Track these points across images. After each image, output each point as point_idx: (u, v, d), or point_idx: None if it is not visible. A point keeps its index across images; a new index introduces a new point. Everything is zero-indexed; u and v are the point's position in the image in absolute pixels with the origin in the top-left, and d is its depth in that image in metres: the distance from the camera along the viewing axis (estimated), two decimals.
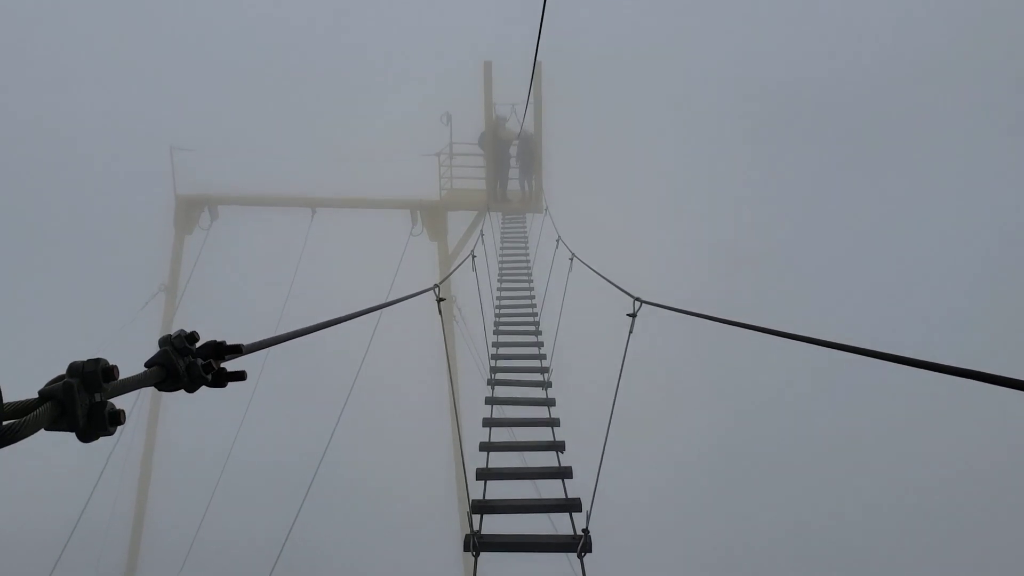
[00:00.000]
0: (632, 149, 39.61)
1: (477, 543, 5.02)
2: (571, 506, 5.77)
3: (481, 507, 5.82)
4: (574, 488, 6.25)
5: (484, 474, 6.32)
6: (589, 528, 5.12)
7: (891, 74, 38.66)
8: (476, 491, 6.15)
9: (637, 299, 5.13)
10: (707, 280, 33.66)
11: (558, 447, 7.05)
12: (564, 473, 6.46)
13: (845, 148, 38.06)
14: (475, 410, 9.03)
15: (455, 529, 18.66)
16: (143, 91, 40.84)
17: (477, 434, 7.52)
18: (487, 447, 6.93)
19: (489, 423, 7.60)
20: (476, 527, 5.27)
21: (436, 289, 5.32)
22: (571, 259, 9.50)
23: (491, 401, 8.28)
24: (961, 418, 26.78)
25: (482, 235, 11.87)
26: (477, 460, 6.77)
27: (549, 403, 8.22)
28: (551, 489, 6.67)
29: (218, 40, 43.25)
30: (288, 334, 2.51)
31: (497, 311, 11.52)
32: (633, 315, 5.09)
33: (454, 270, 7.33)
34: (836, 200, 37.12)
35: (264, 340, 2.22)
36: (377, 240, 18.51)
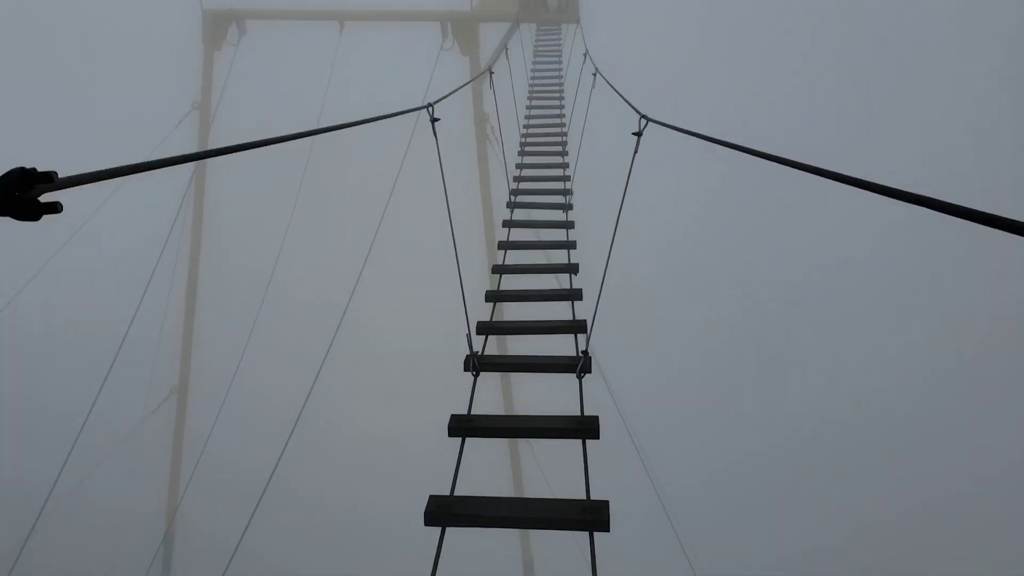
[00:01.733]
0: None
1: (477, 363, 5.07)
2: (577, 328, 5.76)
3: (486, 328, 5.86)
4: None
5: (493, 296, 6.32)
6: (589, 349, 5.13)
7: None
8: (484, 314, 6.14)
9: (643, 116, 4.82)
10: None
11: (572, 269, 6.98)
12: (574, 295, 6.42)
13: None
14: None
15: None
16: None
17: (494, 258, 7.46)
18: (499, 269, 6.91)
19: (504, 246, 7.53)
20: (478, 349, 5.30)
21: (430, 108, 5.05)
22: (595, 75, 8.97)
23: (508, 224, 8.18)
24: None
25: (507, 49, 11.20)
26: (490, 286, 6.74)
27: (568, 225, 8.09)
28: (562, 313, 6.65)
29: None
30: (114, 169, 1.95)
31: (524, 130, 11.13)
32: (638, 133, 4.79)
33: (458, 89, 6.96)
34: None
35: (86, 174, 1.72)
36: (407, 56, 17.72)
